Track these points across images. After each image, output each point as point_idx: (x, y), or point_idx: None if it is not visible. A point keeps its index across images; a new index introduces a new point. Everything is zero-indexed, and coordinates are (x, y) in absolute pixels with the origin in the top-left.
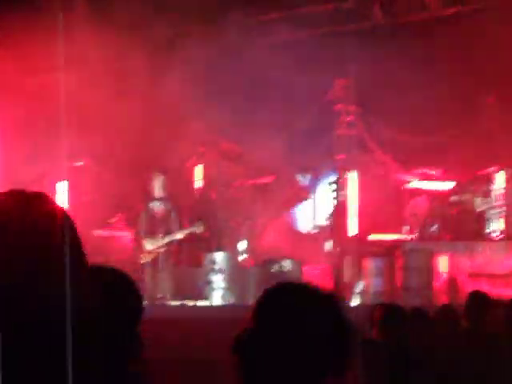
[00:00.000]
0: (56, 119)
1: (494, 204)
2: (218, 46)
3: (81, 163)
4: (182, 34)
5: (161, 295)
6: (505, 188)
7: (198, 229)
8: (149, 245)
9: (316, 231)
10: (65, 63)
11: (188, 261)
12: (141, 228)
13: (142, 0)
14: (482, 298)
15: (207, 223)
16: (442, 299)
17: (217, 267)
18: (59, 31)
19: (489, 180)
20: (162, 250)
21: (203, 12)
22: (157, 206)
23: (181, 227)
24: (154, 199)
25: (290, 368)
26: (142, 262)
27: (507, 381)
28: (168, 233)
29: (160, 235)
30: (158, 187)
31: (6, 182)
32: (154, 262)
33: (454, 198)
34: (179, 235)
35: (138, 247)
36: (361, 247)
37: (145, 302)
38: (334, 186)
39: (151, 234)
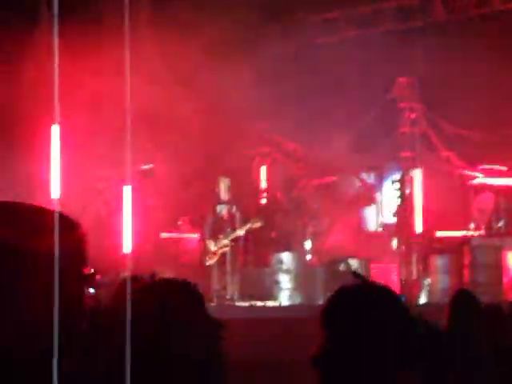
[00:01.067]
0: (124, 123)
1: None
2: (282, 46)
3: (149, 166)
4: (246, 34)
5: (229, 296)
6: None
7: (256, 224)
8: (212, 246)
9: (382, 229)
10: (131, 66)
11: (255, 261)
12: (207, 230)
13: (206, 1)
14: None
15: (274, 224)
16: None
17: (284, 267)
18: (125, 33)
19: None
20: (225, 249)
21: (268, 11)
22: (223, 209)
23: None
24: (220, 202)
25: (369, 367)
26: (207, 263)
27: None
28: (231, 233)
29: (221, 236)
30: (223, 190)
31: (77, 186)
32: (222, 263)
33: None
34: (239, 232)
35: (204, 249)
36: (427, 244)
37: (213, 304)
38: (399, 185)
39: (217, 235)
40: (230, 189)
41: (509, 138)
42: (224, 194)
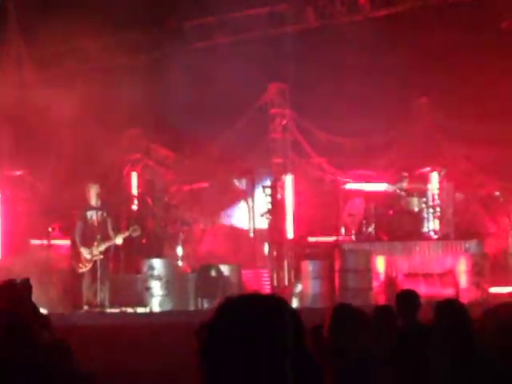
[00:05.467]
0: None
1: (430, 204)
2: (155, 52)
3: (18, 173)
4: (118, 40)
5: (99, 303)
6: (439, 188)
7: (134, 233)
8: (86, 253)
9: (253, 235)
10: None
11: (126, 268)
12: (78, 237)
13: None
14: (410, 297)
15: (145, 230)
16: (381, 299)
17: (156, 273)
18: None
19: (424, 180)
20: (100, 257)
21: (140, 17)
22: (93, 215)
23: (118, 233)
24: (90, 208)
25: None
26: (80, 270)
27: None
28: (104, 240)
29: (96, 243)
30: (93, 196)
31: None
32: (92, 269)
33: (389, 199)
34: (117, 240)
35: (76, 256)
36: (298, 250)
37: (84, 310)
38: (270, 190)
39: (88, 242)
40: (100, 195)
41: (378, 145)
42: (94, 200)
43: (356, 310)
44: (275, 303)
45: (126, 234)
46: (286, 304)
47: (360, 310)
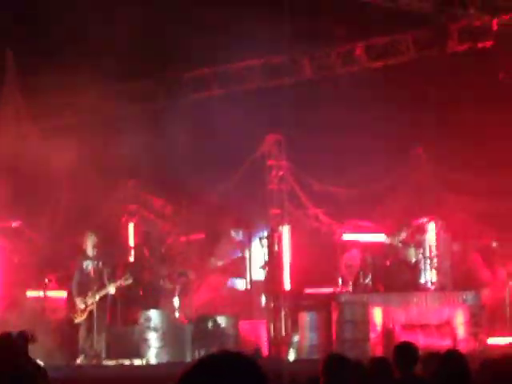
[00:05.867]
0: None
1: (427, 255)
2: (152, 104)
3: (15, 224)
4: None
5: (96, 354)
6: (436, 239)
7: (127, 281)
8: (81, 303)
9: (251, 286)
10: None
11: (123, 319)
12: (74, 287)
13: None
14: (408, 350)
15: (141, 281)
16: (378, 351)
17: (152, 325)
18: None
19: (421, 231)
20: (94, 306)
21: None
22: (89, 265)
23: (111, 283)
24: (86, 257)
25: None
26: (76, 321)
27: None
28: (99, 290)
29: (90, 293)
30: (90, 246)
31: None
32: (89, 320)
33: (387, 249)
34: (110, 289)
35: (72, 306)
36: (296, 301)
37: (80, 362)
38: (267, 241)
39: (84, 291)
40: (97, 245)
41: (375, 196)
42: (91, 251)
43: (350, 361)
44: (248, 367)
45: (119, 282)
46: (258, 369)
47: (355, 361)
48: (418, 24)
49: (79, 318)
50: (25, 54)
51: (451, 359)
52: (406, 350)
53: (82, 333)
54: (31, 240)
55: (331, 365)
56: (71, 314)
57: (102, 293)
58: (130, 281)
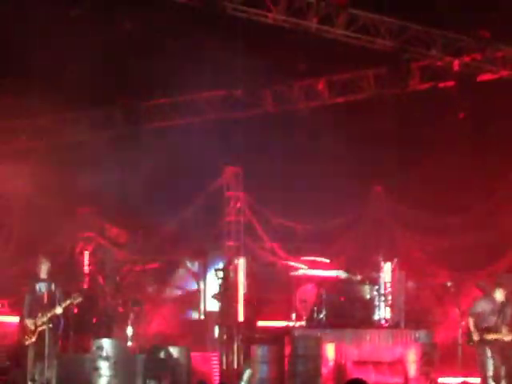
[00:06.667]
0: None
1: (382, 292)
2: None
3: None
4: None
5: (45, 382)
6: (391, 276)
7: (76, 300)
8: (31, 324)
9: (204, 317)
10: None
11: (75, 347)
12: (26, 309)
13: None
14: None
15: (95, 309)
16: None
17: (104, 354)
18: None
19: (377, 268)
20: (44, 328)
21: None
22: (42, 287)
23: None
24: (39, 280)
25: None
26: (26, 343)
27: None
28: (48, 310)
29: (40, 314)
30: (43, 270)
31: None
32: (39, 344)
33: (342, 286)
34: (58, 310)
35: (23, 328)
36: (249, 334)
37: None
38: (222, 273)
39: (34, 313)
40: (51, 270)
41: (331, 232)
42: (44, 274)
43: None
44: None
45: (68, 302)
46: None
47: None
48: (380, 61)
49: (29, 340)
50: None
51: None
52: None
53: (30, 355)
54: None
55: None
56: (21, 335)
57: (52, 313)
58: (79, 299)
